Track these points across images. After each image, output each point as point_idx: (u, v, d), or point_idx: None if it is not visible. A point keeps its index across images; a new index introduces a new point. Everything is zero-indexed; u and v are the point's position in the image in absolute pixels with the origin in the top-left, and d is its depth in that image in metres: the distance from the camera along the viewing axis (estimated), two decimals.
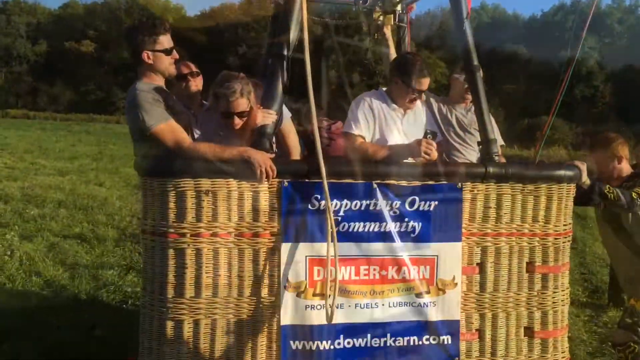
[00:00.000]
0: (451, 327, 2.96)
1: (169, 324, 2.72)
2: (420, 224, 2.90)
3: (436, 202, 2.91)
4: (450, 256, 2.94)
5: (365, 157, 2.96)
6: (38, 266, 5.56)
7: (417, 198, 2.89)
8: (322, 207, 2.78)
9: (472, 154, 3.65)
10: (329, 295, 2.75)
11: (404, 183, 2.88)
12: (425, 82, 3.21)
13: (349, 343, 2.86)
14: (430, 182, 2.90)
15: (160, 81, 2.93)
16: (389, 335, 2.90)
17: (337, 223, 2.81)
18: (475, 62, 3.16)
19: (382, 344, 2.89)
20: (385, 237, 2.86)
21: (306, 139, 3.23)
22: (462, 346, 2.98)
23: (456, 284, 2.95)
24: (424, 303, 2.93)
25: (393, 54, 3.94)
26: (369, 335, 2.88)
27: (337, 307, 2.80)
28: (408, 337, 2.92)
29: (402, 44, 4.24)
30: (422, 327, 2.94)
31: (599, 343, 4.48)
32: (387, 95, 3.28)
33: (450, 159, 3.65)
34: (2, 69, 51.97)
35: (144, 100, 2.73)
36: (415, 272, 2.91)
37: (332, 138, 3.52)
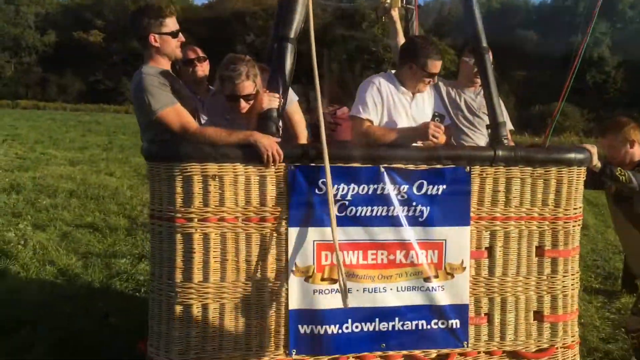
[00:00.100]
0: (460, 311, 2.95)
1: (178, 309, 2.73)
2: (428, 208, 2.88)
3: (444, 186, 2.88)
4: (459, 240, 2.92)
5: (372, 141, 2.94)
6: (51, 255, 5.61)
7: (425, 182, 2.87)
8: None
9: (481, 138, 3.61)
10: (337, 280, 2.75)
11: (411, 167, 2.86)
12: (438, 65, 3.16)
13: (357, 327, 2.86)
14: (439, 166, 2.88)
15: (166, 65, 2.92)
16: (397, 319, 2.89)
17: (345, 207, 2.80)
18: (484, 44, 3.12)
19: (390, 328, 2.89)
20: (393, 221, 2.85)
21: (312, 126, 3.21)
22: (471, 330, 2.97)
23: (465, 268, 2.94)
24: (433, 287, 2.92)
25: (401, 36, 3.89)
26: (377, 320, 2.88)
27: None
28: (416, 322, 2.92)
29: (409, 27, 4.19)
30: (431, 311, 2.93)
31: (612, 329, 4.45)
32: (396, 78, 3.23)
33: (459, 143, 3.61)
34: (12, 59, 52.22)
35: (150, 84, 2.73)
36: (423, 256, 2.89)
37: (337, 123, 3.50)
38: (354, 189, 2.80)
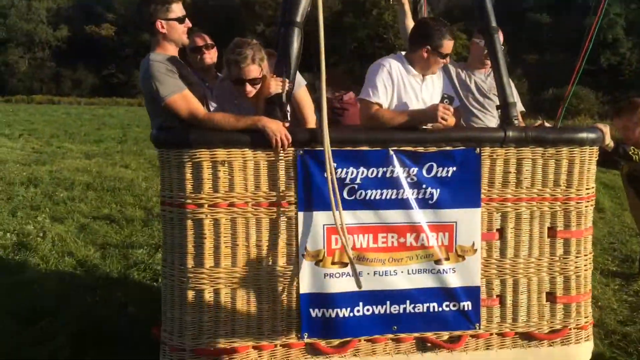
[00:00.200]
0: (471, 293, 2.94)
1: (190, 294, 2.76)
2: (438, 190, 2.87)
3: (454, 168, 2.87)
4: (470, 222, 2.90)
5: (381, 124, 2.92)
6: (70, 247, 5.67)
7: (434, 164, 2.85)
8: (338, 175, 2.76)
9: (491, 120, 3.59)
10: (347, 264, 2.76)
11: (420, 149, 2.85)
12: (452, 45, 3.12)
13: (368, 310, 2.87)
14: (448, 148, 2.86)
15: (174, 52, 2.93)
16: (408, 302, 2.90)
17: (354, 191, 2.80)
18: (494, 24, 3.08)
19: (401, 311, 2.89)
20: (403, 204, 2.84)
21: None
22: (483, 312, 2.97)
23: (476, 250, 2.92)
24: (444, 270, 2.91)
25: (409, 19, 3.85)
26: (388, 303, 2.88)
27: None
28: (428, 304, 2.92)
29: (419, 10, 4.14)
30: (442, 293, 2.93)
31: (630, 312, 4.41)
32: (407, 60, 3.19)
33: (469, 125, 3.58)
34: (25, 55, 52.71)
35: (157, 71, 2.74)
36: (434, 238, 2.89)
37: (345, 108, 3.48)
38: (363, 172, 2.80)
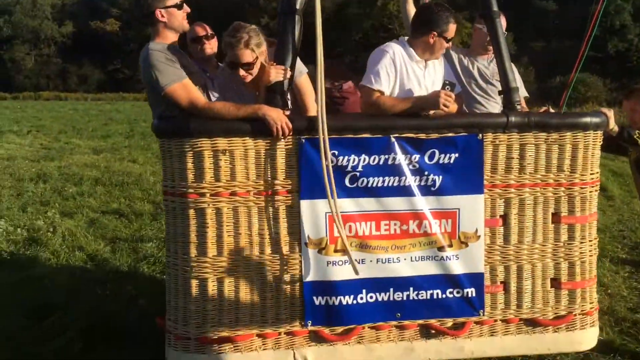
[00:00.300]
0: (475, 280, 2.93)
1: (194, 283, 2.78)
2: (440, 177, 2.85)
3: (456, 155, 2.85)
4: (473, 209, 2.89)
5: (382, 111, 2.90)
6: (80, 241, 5.72)
7: (436, 151, 2.84)
8: (340, 163, 2.76)
9: (494, 106, 3.55)
10: (345, 251, 2.76)
11: (422, 136, 2.83)
12: (454, 29, 3.09)
13: (371, 297, 2.88)
14: (450, 134, 2.84)
15: (173, 39, 2.92)
16: (412, 289, 2.90)
17: (356, 178, 2.80)
18: (495, 8, 3.05)
19: (405, 298, 2.89)
20: (405, 191, 2.83)
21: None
22: (487, 299, 2.96)
23: (479, 236, 2.91)
24: (447, 256, 2.90)
25: (411, 4, 3.80)
26: (391, 290, 2.88)
27: (359, 262, 2.81)
28: (431, 291, 2.91)
29: None
30: (446, 280, 2.92)
31: None
32: (410, 46, 3.12)
33: (472, 111, 3.55)
34: (32, 51, 52.87)
35: (157, 60, 2.73)
36: (436, 225, 2.88)
37: (345, 97, 3.46)
38: (364, 159, 2.79)
